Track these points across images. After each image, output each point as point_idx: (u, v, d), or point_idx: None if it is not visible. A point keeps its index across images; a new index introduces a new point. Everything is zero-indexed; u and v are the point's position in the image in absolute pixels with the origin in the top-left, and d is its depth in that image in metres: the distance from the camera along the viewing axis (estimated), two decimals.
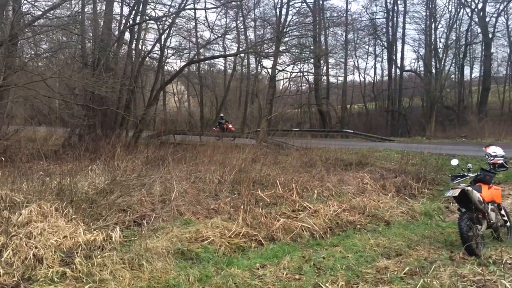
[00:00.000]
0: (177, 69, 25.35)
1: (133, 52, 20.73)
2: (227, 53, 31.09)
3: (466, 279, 5.04)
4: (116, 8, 21.24)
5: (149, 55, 23.76)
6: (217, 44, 29.83)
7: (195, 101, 39.52)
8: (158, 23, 21.87)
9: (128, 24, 19.65)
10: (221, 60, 35.66)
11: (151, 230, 6.49)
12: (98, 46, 17.18)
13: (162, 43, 22.48)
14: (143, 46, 24.17)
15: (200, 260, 5.64)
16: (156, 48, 23.61)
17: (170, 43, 28.29)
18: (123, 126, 19.07)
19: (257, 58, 30.14)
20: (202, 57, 27.72)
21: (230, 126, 25.08)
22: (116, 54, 19.36)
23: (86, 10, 18.67)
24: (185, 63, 26.78)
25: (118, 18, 20.91)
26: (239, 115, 33.98)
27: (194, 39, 29.54)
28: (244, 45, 30.93)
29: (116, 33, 20.05)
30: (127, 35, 20.68)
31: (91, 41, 18.32)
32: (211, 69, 39.51)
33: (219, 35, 28.02)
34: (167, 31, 22.00)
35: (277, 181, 9.66)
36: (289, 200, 8.83)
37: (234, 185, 9.69)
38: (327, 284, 4.76)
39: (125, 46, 20.86)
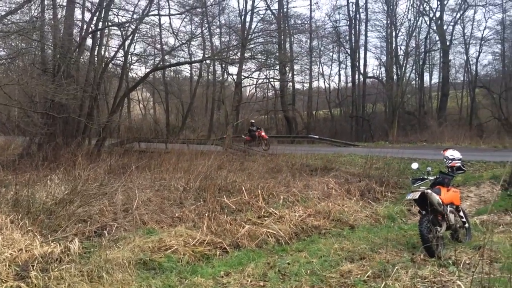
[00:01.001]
0: (142, 76, 24.98)
1: (96, 58, 20.26)
2: (193, 59, 30.95)
3: (426, 280, 5.15)
4: (78, 14, 20.70)
5: (112, 62, 23.27)
6: (183, 50, 29.58)
7: (161, 108, 39.04)
8: (121, 29, 21.49)
9: (90, 30, 19.20)
10: (187, 66, 35.40)
11: (112, 240, 6.31)
12: (58, 52, 16.69)
13: (126, 49, 22.07)
14: (106, 53, 23.70)
15: (163, 270, 5.53)
16: (119, 55, 23.17)
17: (134, 49, 27.80)
18: (86, 134, 18.56)
19: (223, 65, 30.12)
20: (167, 63, 27.38)
21: (263, 133, 21.62)
22: (78, 61, 18.84)
23: (46, 15, 18.14)
24: (149, 69, 26.41)
25: (80, 24, 20.43)
26: (205, 122, 33.78)
27: (158, 46, 29.21)
28: (210, 51, 30.83)
29: (78, 39, 19.55)
30: (89, 41, 20.19)
31: (51, 47, 17.79)
32: (177, 75, 39.16)
33: (184, 42, 27.76)
34: (130, 37, 21.64)
35: (243, 188, 9.63)
36: (254, 206, 8.82)
37: (199, 192, 9.59)
38: None
39: (87, 53, 20.36)
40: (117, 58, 23.53)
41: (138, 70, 43.84)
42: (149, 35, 26.60)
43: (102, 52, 21.76)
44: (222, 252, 6.46)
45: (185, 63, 31.48)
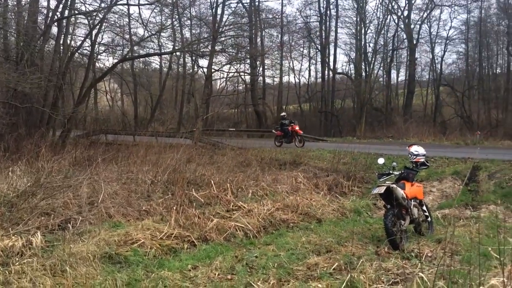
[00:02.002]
0: (109, 66, 24.42)
1: (61, 47, 19.65)
2: (163, 51, 30.42)
3: (390, 272, 5.28)
4: (43, 1, 20.10)
5: (79, 51, 22.62)
6: (152, 42, 29.02)
7: (129, 100, 38.32)
8: (89, 17, 20.89)
9: (56, 17, 18.59)
10: (157, 58, 34.83)
11: (77, 234, 6.17)
12: (22, 40, 16.10)
13: (93, 39, 21.49)
14: (72, 42, 23.00)
15: (129, 263, 5.45)
16: (86, 44, 22.52)
17: (102, 39, 27.07)
18: (50, 125, 17.99)
19: (193, 57, 29.81)
20: (136, 54, 26.88)
21: (297, 128, 19.43)
22: (42, 49, 18.24)
23: (9, 1, 17.44)
24: (117, 60, 25.82)
25: (45, 11, 19.74)
26: (174, 115, 33.38)
27: (127, 36, 28.57)
28: (180, 43, 30.43)
29: (43, 27, 18.91)
30: (54, 30, 19.56)
31: (14, 34, 17.13)
32: (146, 67, 38.50)
33: (154, 33, 27.24)
34: (98, 26, 21.06)
35: (212, 181, 9.60)
36: (223, 200, 8.81)
37: (167, 185, 9.49)
38: (258, 283, 4.77)
39: (53, 41, 19.71)
40: (84, 48, 22.89)
41: (106, 61, 42.97)
42: (118, 25, 26.03)
43: (68, 41, 21.13)
44: (190, 246, 6.42)
45: (155, 55, 31.01)
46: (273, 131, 21.15)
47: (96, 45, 23.20)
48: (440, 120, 34.09)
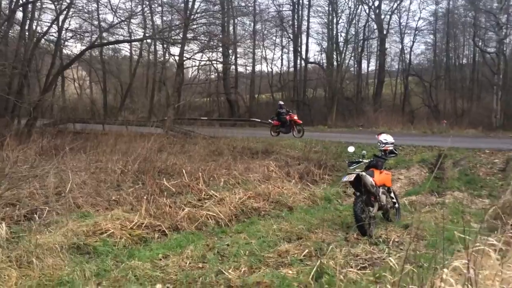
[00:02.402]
0: (77, 53, 23.75)
1: (27, 33, 18.98)
2: (133, 38, 29.80)
3: (358, 257, 5.41)
4: None
5: (45, 37, 21.92)
6: (122, 28, 28.34)
7: (98, 88, 37.46)
8: (55, 2, 20.22)
9: (20, 2, 17.91)
10: (126, 45, 34.08)
11: (44, 225, 6.03)
12: None
13: (60, 24, 20.82)
14: (38, 27, 22.25)
15: (98, 254, 5.37)
16: (53, 30, 21.82)
17: (69, 25, 26.22)
18: (15, 114, 17.44)
19: (164, 45, 29.29)
20: (105, 41, 26.20)
21: (295, 117, 18.88)
22: (6, 35, 17.58)
23: None
24: (86, 47, 25.14)
25: None
26: (145, 103, 32.90)
27: (96, 22, 27.81)
28: (151, 30, 29.85)
29: (7, 11, 18.19)
30: (19, 15, 18.85)
31: None
32: (116, 54, 37.65)
33: (124, 19, 26.58)
34: (65, 11, 20.43)
35: (184, 170, 9.52)
36: (195, 189, 8.76)
37: (138, 175, 9.36)
38: (230, 271, 4.80)
39: (17, 27, 19.02)
40: (50, 34, 22.20)
41: (74, 47, 41.67)
42: (86, 10, 25.32)
43: (34, 27, 20.44)
44: (161, 235, 6.39)
45: (124, 42, 30.32)
46: (269, 121, 20.35)
47: (63, 31, 22.48)
48: (409, 109, 34.83)
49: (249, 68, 38.79)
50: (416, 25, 38.65)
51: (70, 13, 22.04)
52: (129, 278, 4.59)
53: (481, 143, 15.19)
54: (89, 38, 27.49)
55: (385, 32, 35.31)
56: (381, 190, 7.22)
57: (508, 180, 10.14)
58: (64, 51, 26.65)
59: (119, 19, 26.36)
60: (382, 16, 35.38)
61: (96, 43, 24.44)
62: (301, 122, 18.90)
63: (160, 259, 5.32)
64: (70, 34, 25.64)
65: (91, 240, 5.63)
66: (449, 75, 37.03)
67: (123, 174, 9.26)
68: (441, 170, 11.86)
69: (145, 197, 7.37)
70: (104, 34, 25.36)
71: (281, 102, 21.00)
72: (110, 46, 31.78)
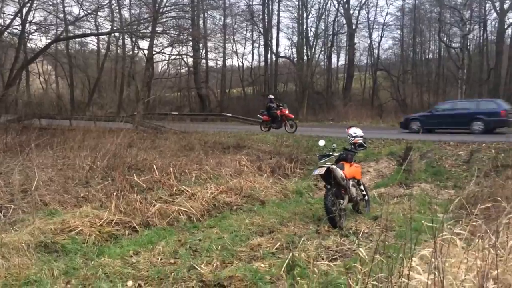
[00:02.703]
0: (42, 47, 23.07)
1: None
2: (100, 31, 29.12)
3: (329, 249, 5.49)
4: None
5: (8, 30, 21.20)
6: (88, 21, 27.65)
7: (64, 83, 36.50)
8: None
9: None
10: (94, 39, 33.27)
11: (9, 223, 5.85)
12: None
13: (24, 17, 20.23)
14: (1, 20, 21.49)
15: (66, 252, 5.24)
16: (16, 23, 21.14)
17: (33, 17, 25.54)
18: None
19: (133, 39, 28.83)
20: (71, 34, 25.59)
21: (287, 111, 18.20)
22: None
23: None
24: (51, 40, 24.42)
25: None
26: (114, 98, 32.23)
27: (61, 15, 27.04)
28: (119, 24, 29.25)
29: None
30: None
31: None
32: (82, 48, 36.81)
33: (90, 12, 25.94)
34: (28, 3, 19.80)
35: (154, 166, 9.42)
36: (166, 184, 8.67)
37: (107, 171, 9.19)
38: (202, 266, 4.78)
39: None
40: (14, 27, 21.47)
41: (38, 41, 40.35)
42: (50, 2, 24.56)
43: None
44: (132, 232, 6.29)
45: (91, 35, 29.60)
46: (259, 116, 19.43)
47: (27, 24, 21.86)
48: (377, 103, 35.48)
49: (220, 63, 38.66)
50: (384, 20, 39.47)
51: (34, 5, 21.42)
52: (99, 275, 4.51)
53: (446, 135, 15.64)
54: (55, 31, 26.75)
55: (354, 27, 35.78)
56: (351, 182, 7.34)
57: (472, 171, 10.50)
58: (29, 45, 25.88)
59: (85, 12, 25.70)
60: (351, 11, 35.85)
61: (61, 36, 23.81)
62: (292, 116, 18.23)
63: (131, 256, 5.24)
64: (35, 27, 24.90)
65: (59, 238, 5.49)
66: (415, 70, 37.91)
67: (92, 170, 9.07)
68: (409, 163, 12.14)
69: (114, 193, 7.24)
70: (70, 27, 24.75)
71: (271, 96, 20.02)
72: (77, 39, 31.06)
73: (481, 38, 35.42)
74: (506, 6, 30.35)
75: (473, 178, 9.43)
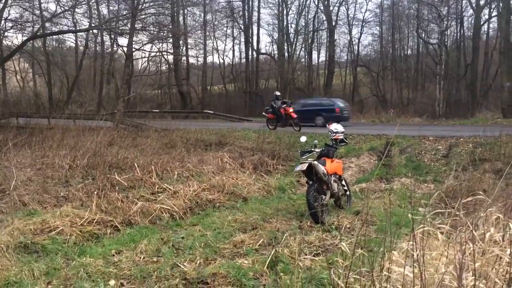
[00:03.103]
0: (18, 45, 22.57)
1: None
2: (78, 28, 28.64)
3: (312, 244, 5.54)
4: None
5: None
6: (66, 18, 27.14)
7: (42, 81, 35.83)
8: None
9: None
10: (72, 36, 32.84)
11: None
12: None
13: None
14: None
15: (47, 252, 5.16)
16: None
17: (9, 14, 24.87)
18: None
19: (112, 36, 28.45)
20: (48, 31, 25.09)
21: (291, 110, 17.40)
22: None
23: None
24: (27, 37, 23.92)
25: None
26: (93, 96, 31.84)
27: (38, 12, 26.49)
28: (97, 20, 28.81)
29: None
30: None
31: None
32: (60, 45, 36.14)
33: (67, 8, 25.45)
34: (3, 0, 19.34)
35: (136, 164, 9.33)
36: (148, 182, 8.61)
37: (87, 170, 9.08)
38: (185, 263, 4.76)
39: None
40: None
41: (14, 38, 39.45)
42: None
43: None
44: (114, 231, 6.22)
45: (69, 32, 29.06)
46: (264, 113, 18.94)
47: (2, 21, 21.33)
48: (358, 99, 35.85)
49: (201, 60, 38.51)
50: (364, 16, 40.02)
51: (10, 1, 20.89)
52: (81, 275, 4.45)
53: (426, 130, 15.90)
54: (31, 28, 26.15)
55: (334, 24, 36.04)
56: (332, 178, 7.40)
57: (450, 165, 10.70)
58: (4, 42, 25.34)
59: (62, 8, 25.20)
60: (331, 8, 36.09)
61: (38, 33, 23.34)
62: (295, 116, 17.33)
63: (113, 255, 5.19)
64: (10, 24, 24.31)
65: (39, 238, 5.40)
66: (395, 66, 38.41)
67: (72, 169, 8.95)
68: (389, 158, 12.32)
69: (95, 193, 7.16)
70: (47, 24, 24.25)
71: (277, 93, 19.29)
72: (54, 36, 30.47)
73: (458, 34, 36.11)
74: (482, 2, 31.00)
75: (452, 172, 9.62)
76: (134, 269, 4.65)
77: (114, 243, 5.61)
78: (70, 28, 27.95)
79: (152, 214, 6.92)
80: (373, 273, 3.00)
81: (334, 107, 20.00)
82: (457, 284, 2.56)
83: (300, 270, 4.09)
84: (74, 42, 34.71)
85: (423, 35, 35.42)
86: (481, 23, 31.95)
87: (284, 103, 17.81)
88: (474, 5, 31.18)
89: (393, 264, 3.26)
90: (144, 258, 5.08)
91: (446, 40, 32.98)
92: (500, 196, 5.64)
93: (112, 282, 4.32)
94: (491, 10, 32.52)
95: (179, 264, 4.72)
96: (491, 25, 34.20)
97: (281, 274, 4.38)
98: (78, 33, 30.15)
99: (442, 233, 3.88)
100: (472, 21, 33.04)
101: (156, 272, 4.54)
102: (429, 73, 35.71)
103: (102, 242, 5.70)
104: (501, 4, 24.57)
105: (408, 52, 40.61)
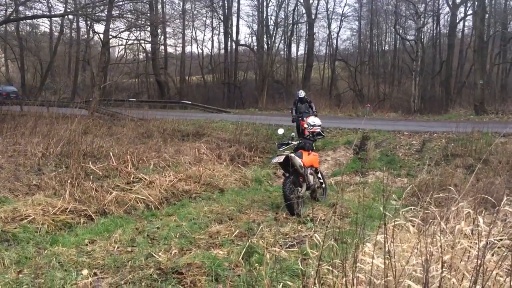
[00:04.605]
0: None
1: None
2: (53, 13, 27.88)
3: (287, 236, 5.59)
4: None
5: None
6: (40, 2, 26.32)
7: (15, 66, 34.85)
8: None
9: None
10: (46, 21, 31.97)
11: None
12: None
13: None
14: None
15: (18, 241, 5.06)
16: None
17: None
18: None
19: (88, 22, 27.81)
20: (21, 16, 24.31)
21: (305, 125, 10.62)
22: None
23: None
24: (0, 21, 23.14)
25: None
26: (68, 83, 31.12)
27: None
28: (73, 6, 28.11)
29: None
30: None
31: None
32: (34, 30, 35.20)
33: None
34: None
35: (111, 153, 9.22)
36: (123, 172, 8.53)
37: (61, 158, 8.91)
38: (160, 253, 4.74)
39: None
40: None
41: None
42: None
43: None
44: (87, 220, 6.14)
45: (43, 17, 28.24)
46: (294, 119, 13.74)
47: None
48: (335, 93, 36.12)
49: (179, 49, 38.09)
50: (343, 11, 40.43)
51: None
52: (53, 264, 4.38)
53: (401, 126, 16.18)
54: (4, 12, 25.30)
55: (313, 17, 36.10)
56: (309, 170, 7.47)
57: (424, 160, 10.94)
58: None
59: None
60: (311, 1, 36.11)
61: (11, 17, 22.58)
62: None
63: (87, 245, 5.13)
64: None
65: (9, 227, 5.29)
66: (372, 61, 38.82)
67: (45, 157, 8.77)
68: (365, 151, 12.50)
69: (69, 181, 7.04)
70: (21, 8, 23.46)
71: (301, 94, 14.21)
72: (28, 21, 29.62)
73: (435, 31, 36.71)
74: (458, 0, 31.52)
75: (425, 166, 9.84)
76: (108, 259, 4.61)
77: (87, 233, 5.54)
78: (45, 13, 27.16)
79: (127, 204, 6.87)
80: (346, 264, 3.05)
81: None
82: (424, 275, 2.63)
83: (273, 261, 4.13)
84: (49, 27, 33.88)
85: (401, 31, 35.89)
86: (457, 21, 32.56)
87: (310, 104, 13.82)
88: (450, 3, 31.73)
89: (365, 256, 3.33)
90: (118, 247, 5.04)
91: (422, 36, 33.49)
92: (471, 191, 5.79)
93: (85, 272, 4.27)
94: (467, 8, 33.17)
95: (153, 254, 4.70)
96: (466, 23, 34.95)
97: (256, 264, 4.41)
98: (52, 18, 29.36)
99: (413, 225, 3.98)
100: (448, 19, 33.62)
101: (130, 262, 4.51)
102: (405, 68, 36.24)
103: (75, 232, 5.62)
104: (476, 3, 25.07)
105: (386, 47, 41.13)
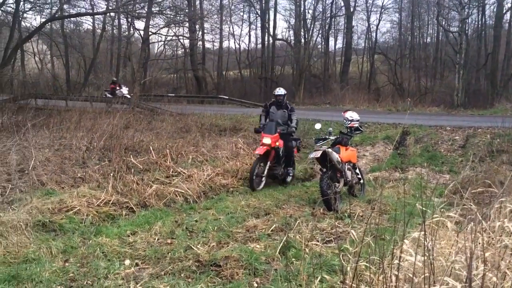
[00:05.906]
0: (37, 26, 22.79)
1: None
2: (95, 11, 28.75)
3: (324, 231, 5.57)
4: None
5: (2, 8, 20.92)
6: (84, 0, 27.43)
7: (60, 63, 36.19)
8: None
9: None
10: (89, 18, 32.94)
11: (6, 202, 5.89)
12: None
13: None
14: None
15: (64, 231, 5.30)
16: (10, 0, 20.85)
17: None
18: None
19: (129, 19, 28.49)
20: (66, 14, 25.25)
21: None
22: None
23: None
24: (45, 19, 24.13)
25: None
26: (110, 79, 32.00)
27: None
28: (114, 3, 28.86)
29: None
30: None
31: None
32: (78, 28, 36.35)
33: None
34: None
35: (151, 147, 9.44)
36: (163, 166, 8.72)
37: (104, 152, 9.22)
38: (198, 246, 4.84)
39: None
40: (7, 5, 21.21)
41: (33, 20, 39.65)
42: None
43: None
44: (129, 212, 6.35)
45: (86, 15, 29.18)
46: None
47: (21, 3, 21.52)
48: (374, 87, 35.41)
49: (217, 44, 38.35)
50: (382, 3, 39.27)
51: None
52: (97, 254, 4.57)
53: (443, 120, 15.69)
54: (49, 10, 26.40)
55: (352, 10, 35.49)
56: (346, 166, 7.39)
57: (467, 156, 10.58)
58: (23, 24, 25.64)
59: None
60: None
61: (56, 15, 23.49)
62: None
63: (128, 236, 5.30)
64: (29, 6, 24.62)
65: (56, 217, 5.54)
66: (413, 54, 37.72)
67: (89, 151, 9.09)
68: (405, 147, 12.22)
69: (111, 174, 7.28)
70: (65, 6, 24.41)
71: (280, 91, 9.46)
72: (72, 19, 30.68)
73: (480, 22, 35.26)
74: None
75: (468, 163, 9.52)
76: (149, 250, 4.75)
77: (129, 224, 5.72)
78: (88, 11, 28.09)
79: (166, 197, 7.03)
80: (384, 261, 3.02)
81: None
82: (467, 272, 2.57)
83: (311, 256, 4.13)
84: (92, 24, 34.90)
85: (443, 22, 34.67)
86: (504, 12, 31.11)
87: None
88: None
89: (404, 253, 3.28)
90: (158, 239, 5.18)
91: (466, 28, 32.24)
92: None
93: (127, 262, 4.42)
94: None
95: (192, 247, 4.80)
96: None
97: (293, 259, 4.43)
98: (95, 16, 30.24)
99: (455, 223, 3.87)
100: (494, 9, 32.16)
101: (170, 253, 4.63)
102: (448, 62, 35.02)
103: (117, 223, 5.82)
104: None
105: (428, 40, 39.86)
